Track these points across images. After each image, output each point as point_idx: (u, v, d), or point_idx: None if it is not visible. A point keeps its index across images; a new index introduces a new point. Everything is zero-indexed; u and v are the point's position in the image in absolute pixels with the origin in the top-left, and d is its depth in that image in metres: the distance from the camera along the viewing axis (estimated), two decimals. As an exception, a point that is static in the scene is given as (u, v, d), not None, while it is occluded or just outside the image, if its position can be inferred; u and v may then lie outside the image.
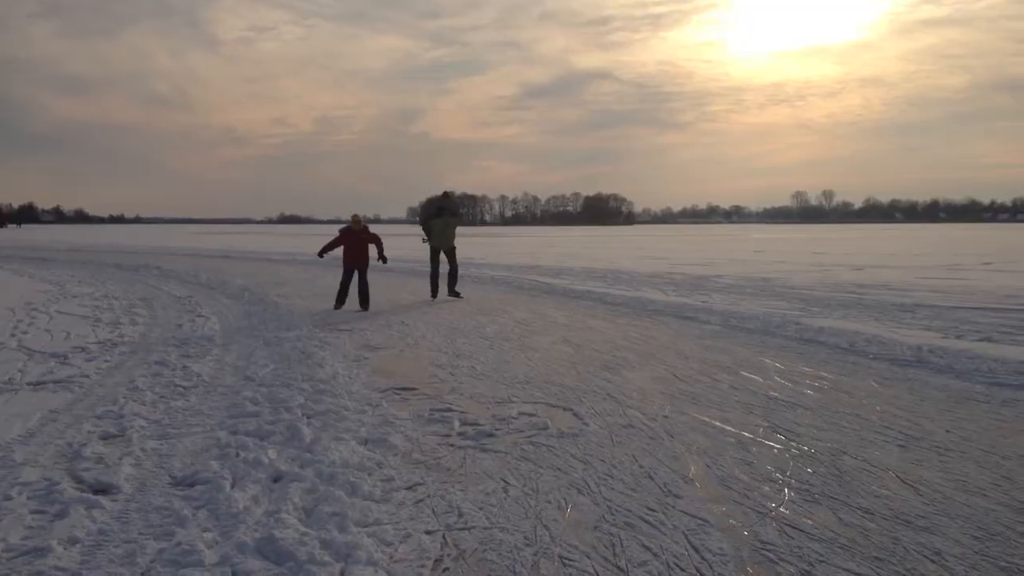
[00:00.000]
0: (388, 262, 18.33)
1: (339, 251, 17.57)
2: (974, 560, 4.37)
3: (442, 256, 19.02)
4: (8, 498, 5.34)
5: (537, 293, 20.26)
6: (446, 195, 20.07)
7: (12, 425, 7.24)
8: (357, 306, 16.94)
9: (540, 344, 11.86)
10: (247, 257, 41.35)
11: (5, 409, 7.86)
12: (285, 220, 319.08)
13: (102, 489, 5.55)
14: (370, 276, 17.45)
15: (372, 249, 17.52)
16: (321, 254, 17.80)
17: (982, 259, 34.54)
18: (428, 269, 19.49)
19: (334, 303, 16.99)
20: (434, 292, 18.79)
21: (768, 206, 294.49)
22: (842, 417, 7.47)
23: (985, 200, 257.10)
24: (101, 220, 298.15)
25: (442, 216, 18.95)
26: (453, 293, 18.78)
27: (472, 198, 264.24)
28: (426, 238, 18.95)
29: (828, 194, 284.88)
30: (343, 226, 17.28)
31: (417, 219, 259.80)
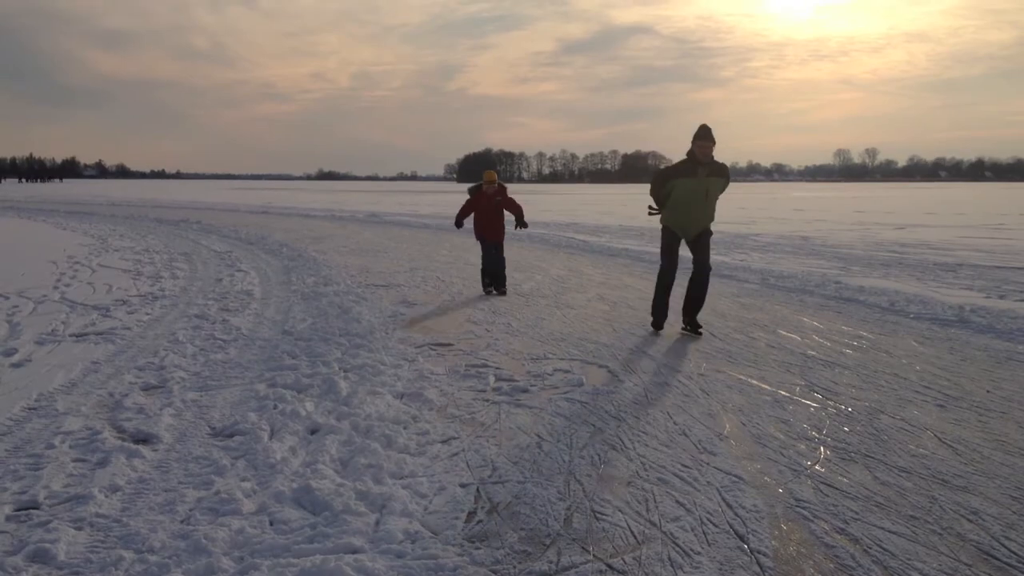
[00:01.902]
0: (527, 227, 13.38)
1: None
2: (1011, 520, 4.33)
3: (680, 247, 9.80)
4: (51, 446, 5.45)
5: (574, 251, 20.21)
6: (703, 133, 9.26)
7: (55, 375, 7.37)
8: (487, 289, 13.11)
9: (576, 301, 11.84)
10: (286, 213, 41.60)
11: (48, 359, 8.00)
12: (323, 176, 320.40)
13: (143, 439, 5.65)
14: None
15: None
16: (458, 223, 13.24)
17: (1028, 219, 33.91)
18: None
19: (482, 285, 13.07)
20: (659, 321, 9.86)
21: (810, 164, 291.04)
22: (881, 376, 7.40)
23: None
24: (142, 175, 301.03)
25: (695, 176, 9.28)
26: (691, 324, 9.67)
27: (509, 155, 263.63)
28: (656, 208, 9.79)
29: (871, 152, 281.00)
30: (473, 185, 13.26)
31: (455, 176, 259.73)
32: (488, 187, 12.72)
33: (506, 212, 12.96)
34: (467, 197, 13.02)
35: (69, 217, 36.40)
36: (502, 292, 12.75)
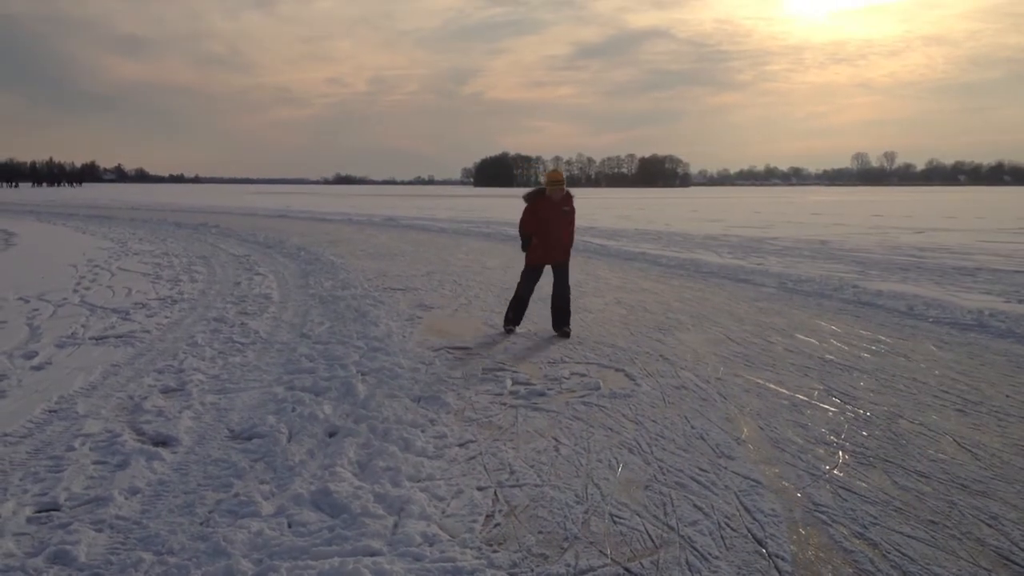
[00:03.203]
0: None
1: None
2: (1032, 526, 4.30)
3: None
4: (71, 449, 5.49)
5: (591, 255, 20.19)
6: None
7: (75, 378, 7.42)
8: (545, 325, 10.14)
9: (593, 305, 11.83)
10: (303, 217, 41.73)
11: (68, 362, 8.05)
12: (340, 181, 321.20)
13: (162, 441, 5.68)
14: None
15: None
16: (526, 240, 10.01)
17: (1048, 223, 33.68)
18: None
19: (505, 318, 10.04)
20: None
21: (827, 168, 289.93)
22: (899, 381, 7.37)
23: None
24: (161, 179, 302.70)
25: None
26: None
27: (526, 159, 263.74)
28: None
29: (889, 156, 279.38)
30: (530, 191, 10.10)
31: (471, 180, 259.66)
32: (554, 191, 9.67)
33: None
34: (524, 206, 9.91)
35: (88, 221, 36.62)
36: (565, 332, 9.59)
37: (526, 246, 9.97)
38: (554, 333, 9.68)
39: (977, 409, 6.46)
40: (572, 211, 9.85)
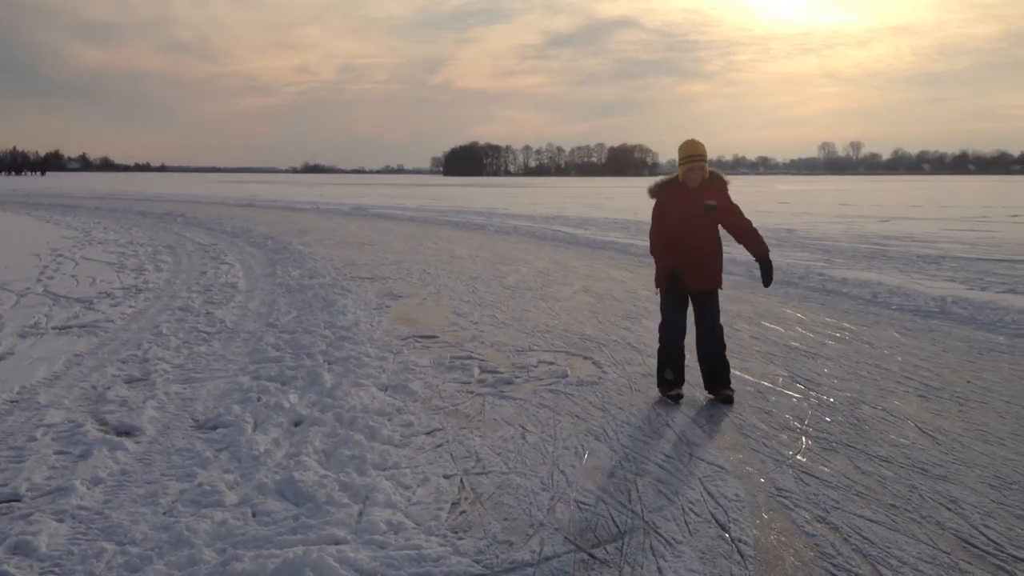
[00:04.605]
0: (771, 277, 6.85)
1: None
2: (990, 508, 4.36)
3: None
4: (33, 439, 5.43)
5: (560, 243, 20.22)
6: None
7: (37, 368, 7.34)
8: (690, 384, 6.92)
9: (561, 294, 11.85)
10: (271, 206, 41.48)
11: (31, 352, 7.96)
12: (309, 169, 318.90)
13: (125, 431, 5.63)
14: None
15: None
16: (661, 257, 6.58)
17: (1010, 211, 34.13)
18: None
19: (660, 381, 6.67)
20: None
21: (795, 157, 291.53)
22: (863, 367, 7.44)
23: (1015, 152, 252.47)
24: (127, 168, 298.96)
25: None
26: None
27: (495, 148, 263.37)
28: None
29: (856, 145, 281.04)
30: (660, 180, 6.90)
31: (441, 169, 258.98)
32: (689, 173, 6.52)
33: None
34: (653, 202, 6.79)
35: (52, 210, 36.18)
36: (725, 395, 6.42)
37: (660, 258, 6.58)
38: (710, 395, 6.53)
39: (939, 395, 6.54)
40: (724, 206, 6.58)
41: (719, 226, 6.66)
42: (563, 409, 6.21)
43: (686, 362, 6.67)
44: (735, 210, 6.68)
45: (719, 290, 6.70)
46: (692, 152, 6.59)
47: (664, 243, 6.57)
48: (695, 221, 6.51)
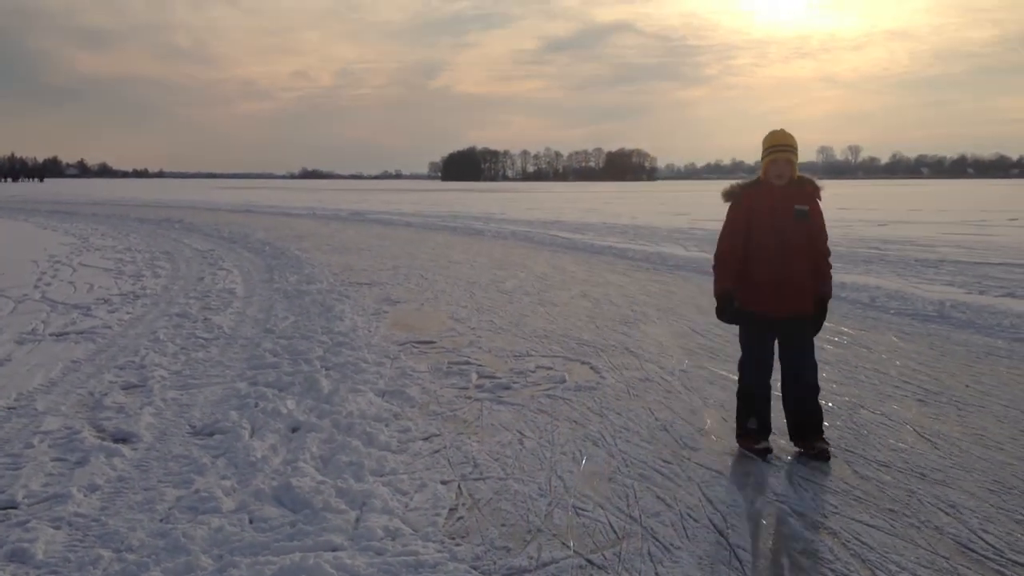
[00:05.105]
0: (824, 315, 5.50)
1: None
2: (989, 513, 4.36)
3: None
4: (30, 446, 5.42)
5: (557, 248, 20.21)
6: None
7: (35, 375, 7.32)
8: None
9: (559, 299, 11.85)
10: (268, 212, 41.47)
11: (28, 359, 7.95)
12: (306, 175, 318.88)
13: (122, 438, 5.62)
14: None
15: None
16: (724, 276, 5.46)
17: (1008, 215, 34.14)
18: None
19: (741, 431, 5.47)
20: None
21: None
22: (861, 372, 7.44)
23: (1014, 156, 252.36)
24: (125, 174, 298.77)
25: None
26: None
27: (493, 153, 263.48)
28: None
29: (854, 149, 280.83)
30: (737, 183, 5.67)
31: (439, 174, 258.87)
32: (775, 169, 5.40)
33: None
34: (727, 207, 5.58)
35: (50, 217, 36.16)
36: (819, 449, 5.22)
37: (725, 279, 5.46)
38: (797, 447, 5.34)
39: (937, 399, 6.53)
40: (817, 213, 5.42)
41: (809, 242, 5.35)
42: (561, 414, 6.20)
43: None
44: (820, 227, 5.41)
45: (809, 319, 5.37)
46: (778, 141, 5.41)
47: (733, 257, 5.40)
48: (781, 228, 5.26)
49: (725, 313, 5.51)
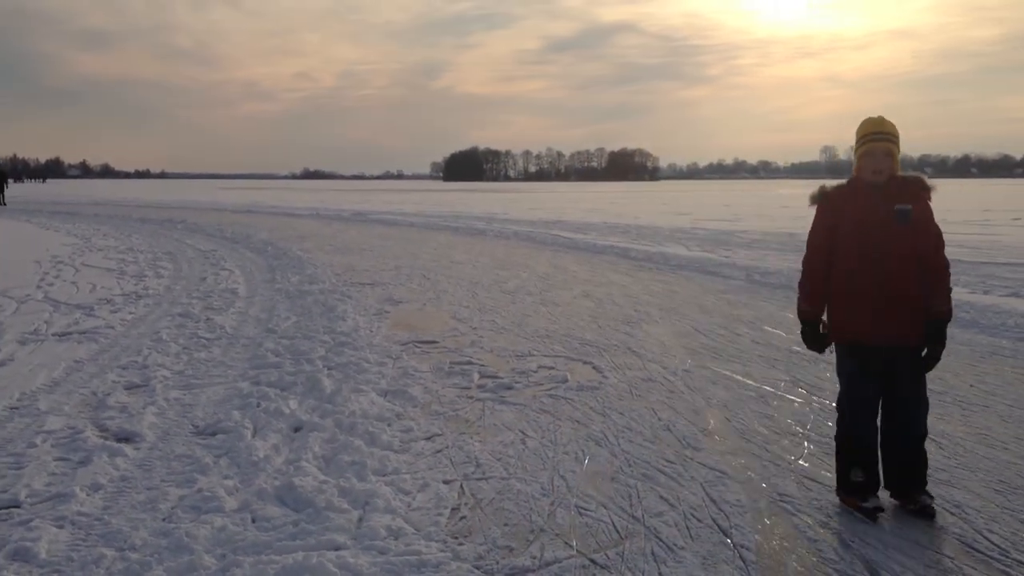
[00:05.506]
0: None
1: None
2: (994, 512, 4.34)
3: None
4: (32, 445, 5.42)
5: (559, 248, 20.20)
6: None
7: (37, 374, 7.32)
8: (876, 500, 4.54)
9: (561, 298, 11.84)
10: (271, 212, 41.47)
11: (31, 359, 7.95)
12: (309, 175, 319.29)
13: (125, 437, 5.62)
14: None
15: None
16: (812, 297, 4.62)
17: (1012, 215, 34.09)
18: None
19: (846, 484, 4.48)
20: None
21: (796, 161, 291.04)
22: (864, 371, 7.41)
23: (1017, 155, 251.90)
24: (127, 175, 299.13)
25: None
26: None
27: (495, 153, 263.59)
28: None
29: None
30: (825, 184, 4.79)
31: (441, 174, 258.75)
32: (869, 162, 4.51)
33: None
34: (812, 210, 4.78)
35: (53, 217, 36.15)
36: (922, 504, 4.33)
37: (813, 299, 4.65)
38: (895, 500, 4.47)
39: (941, 399, 6.50)
40: (925, 214, 4.55)
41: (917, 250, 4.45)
42: (563, 414, 6.19)
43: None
44: (933, 232, 4.53)
45: (919, 350, 4.49)
46: (874, 128, 4.54)
47: (818, 272, 4.59)
48: (880, 234, 4.36)
49: (808, 339, 4.72)
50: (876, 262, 4.33)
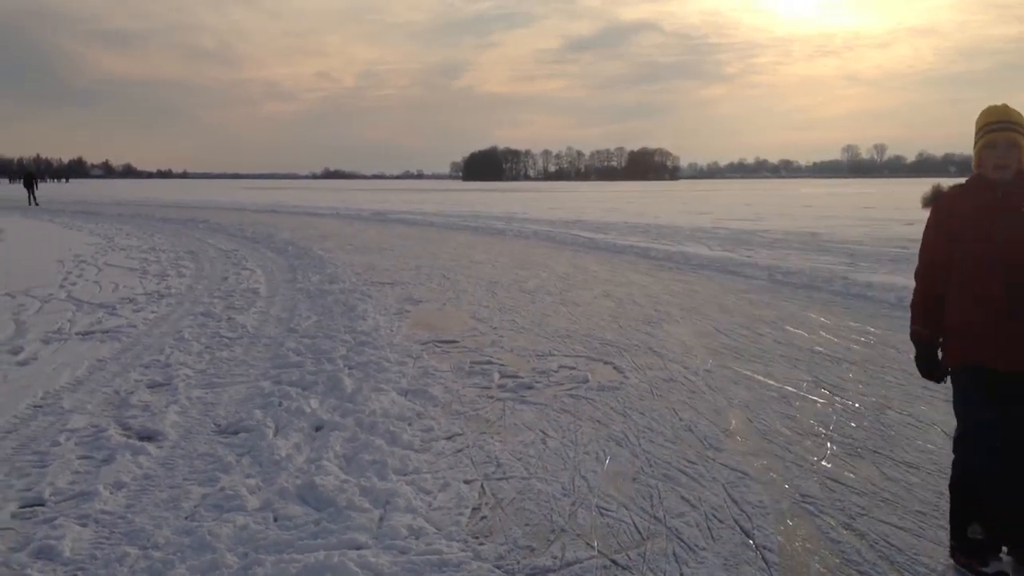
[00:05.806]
0: None
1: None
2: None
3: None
4: (56, 444, 5.46)
5: (579, 248, 20.17)
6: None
7: (61, 373, 7.38)
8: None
9: (581, 298, 11.82)
10: (292, 212, 41.61)
11: (54, 358, 8.01)
12: (329, 175, 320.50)
13: (148, 436, 5.65)
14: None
15: None
16: (924, 312, 3.93)
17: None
18: None
19: (954, 532, 3.84)
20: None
21: (817, 160, 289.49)
22: (888, 372, 7.37)
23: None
24: (149, 175, 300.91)
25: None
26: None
27: (515, 153, 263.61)
28: None
29: (879, 148, 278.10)
30: (940, 183, 4.07)
31: (460, 174, 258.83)
32: (990, 155, 3.78)
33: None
34: (925, 214, 4.07)
35: (75, 217, 36.42)
36: None
37: (928, 313, 3.97)
38: (1008, 553, 3.75)
39: None
40: None
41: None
42: (584, 414, 6.18)
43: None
44: None
45: None
46: (996, 117, 3.86)
47: (931, 288, 3.93)
48: (1007, 241, 3.65)
49: (923, 366, 4.06)
50: (1002, 274, 3.64)
